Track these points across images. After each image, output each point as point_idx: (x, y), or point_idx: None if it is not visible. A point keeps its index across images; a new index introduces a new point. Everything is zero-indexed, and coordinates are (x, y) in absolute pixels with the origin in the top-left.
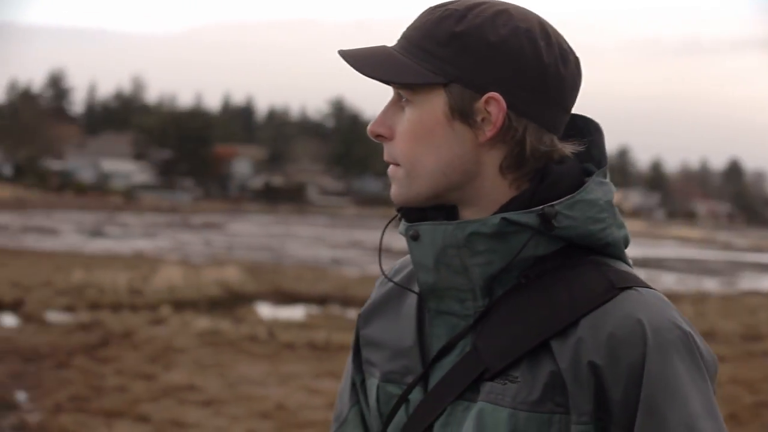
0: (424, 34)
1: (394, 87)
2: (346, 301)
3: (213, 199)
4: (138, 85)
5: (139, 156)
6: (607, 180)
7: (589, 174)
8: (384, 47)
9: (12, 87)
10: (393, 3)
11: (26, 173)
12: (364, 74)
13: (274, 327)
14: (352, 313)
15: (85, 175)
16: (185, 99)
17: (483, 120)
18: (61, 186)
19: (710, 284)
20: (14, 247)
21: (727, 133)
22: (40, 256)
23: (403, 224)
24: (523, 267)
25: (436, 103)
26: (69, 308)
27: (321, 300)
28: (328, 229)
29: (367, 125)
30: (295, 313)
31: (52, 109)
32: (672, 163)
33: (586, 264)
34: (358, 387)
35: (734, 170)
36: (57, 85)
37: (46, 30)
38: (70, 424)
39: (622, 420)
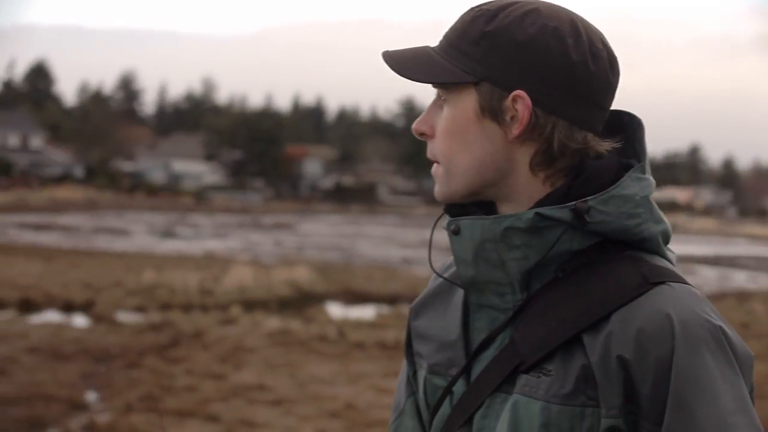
0: (459, 35)
1: (434, 86)
2: None
3: (283, 199)
4: (209, 86)
5: (209, 157)
6: (646, 176)
7: (630, 169)
8: (424, 48)
9: (83, 89)
10: (464, 3)
11: (98, 175)
12: (401, 76)
13: (344, 326)
14: None
15: (156, 176)
16: (256, 100)
17: (512, 118)
18: (133, 187)
19: None
20: (86, 248)
21: None
22: (111, 257)
23: (445, 220)
24: (560, 261)
25: (468, 101)
26: (140, 309)
27: (391, 299)
28: (399, 229)
29: None
30: (365, 312)
31: (123, 111)
32: (744, 161)
33: (622, 259)
34: (411, 379)
35: None
36: (128, 86)
37: (117, 32)
38: (140, 423)
39: (651, 414)
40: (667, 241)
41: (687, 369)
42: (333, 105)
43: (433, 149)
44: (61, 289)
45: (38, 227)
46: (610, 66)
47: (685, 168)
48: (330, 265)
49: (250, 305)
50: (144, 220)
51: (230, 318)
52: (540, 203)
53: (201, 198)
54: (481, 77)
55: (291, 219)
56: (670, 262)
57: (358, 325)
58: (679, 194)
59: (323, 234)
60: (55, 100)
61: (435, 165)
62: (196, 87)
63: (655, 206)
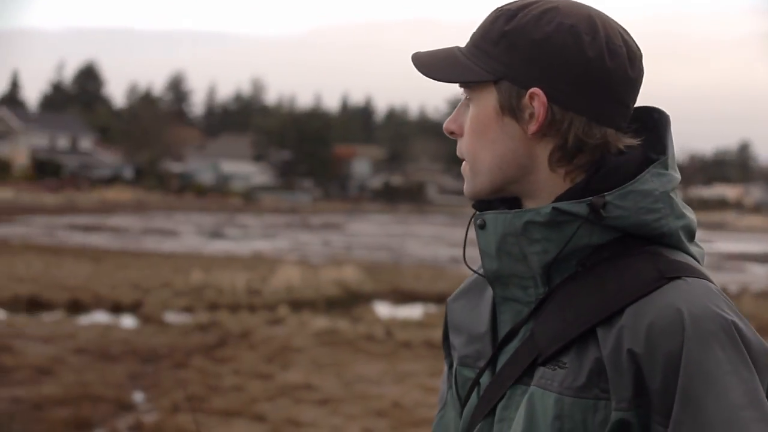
0: (482, 34)
1: (460, 86)
2: None
3: (332, 199)
4: (258, 87)
5: (258, 157)
6: (668, 171)
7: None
8: (451, 49)
9: (132, 91)
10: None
11: (147, 176)
12: (425, 75)
13: (391, 326)
14: None
15: (205, 177)
16: (304, 100)
17: (530, 115)
18: (181, 188)
19: None
20: (135, 249)
21: None
22: (159, 257)
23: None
24: (581, 256)
25: (489, 99)
26: (187, 309)
27: (439, 299)
28: (447, 228)
29: None
30: (413, 312)
31: (172, 112)
32: None
33: (641, 254)
34: (448, 371)
35: None
36: (177, 88)
37: (166, 34)
38: (186, 424)
39: (661, 409)
40: (690, 237)
41: (696, 363)
42: (381, 105)
43: (461, 147)
44: (110, 290)
45: (87, 228)
46: (630, 62)
47: (734, 165)
48: (378, 264)
49: (298, 305)
50: (192, 221)
51: (277, 318)
52: (559, 198)
53: (249, 198)
54: (500, 76)
55: (339, 219)
56: (695, 258)
57: (406, 324)
58: (729, 192)
59: (372, 234)
60: (104, 102)
61: (464, 163)
62: (245, 87)
63: (677, 201)
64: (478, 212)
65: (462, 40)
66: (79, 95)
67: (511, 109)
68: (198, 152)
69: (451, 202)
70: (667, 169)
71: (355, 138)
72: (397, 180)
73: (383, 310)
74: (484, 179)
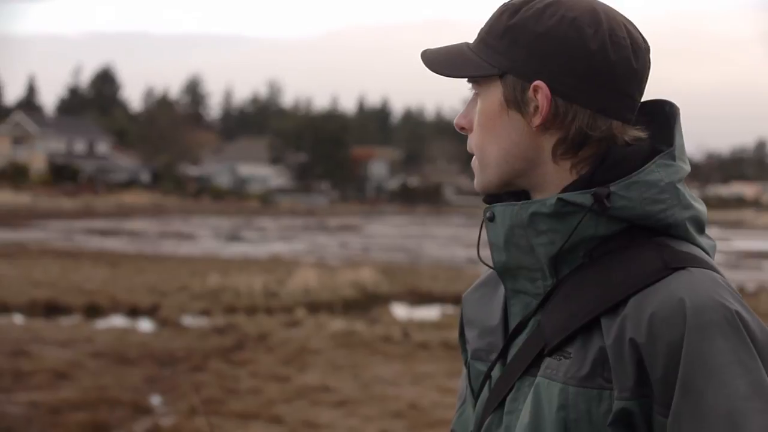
0: (488, 30)
1: (468, 81)
2: None
3: (349, 201)
4: (274, 89)
5: (275, 160)
6: (676, 162)
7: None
8: (460, 45)
9: (149, 94)
10: None
11: (164, 179)
12: (432, 71)
13: (408, 327)
14: None
15: (222, 180)
16: (321, 102)
17: (535, 108)
18: (199, 191)
19: None
20: (152, 252)
21: None
22: (177, 261)
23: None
24: (588, 247)
25: (494, 93)
26: (205, 312)
27: (456, 299)
28: (464, 229)
29: None
30: (430, 313)
31: (189, 116)
32: None
33: (647, 245)
34: (465, 366)
35: None
36: (194, 91)
37: (183, 37)
38: (203, 427)
39: (662, 399)
40: (699, 228)
41: (697, 353)
42: (398, 106)
43: (470, 142)
44: (127, 293)
45: (104, 233)
46: (634, 54)
47: (752, 163)
48: (395, 265)
49: (315, 307)
50: (210, 225)
51: (295, 320)
52: (565, 190)
53: (267, 201)
54: (505, 70)
55: (357, 221)
56: (704, 250)
57: (423, 325)
58: (746, 190)
59: (389, 235)
60: (121, 106)
61: (473, 157)
62: (262, 90)
63: (684, 192)
64: (487, 205)
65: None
66: (96, 99)
67: (516, 102)
68: (215, 155)
69: (468, 202)
70: (674, 160)
71: (372, 139)
72: (414, 181)
73: (400, 311)
74: (492, 173)
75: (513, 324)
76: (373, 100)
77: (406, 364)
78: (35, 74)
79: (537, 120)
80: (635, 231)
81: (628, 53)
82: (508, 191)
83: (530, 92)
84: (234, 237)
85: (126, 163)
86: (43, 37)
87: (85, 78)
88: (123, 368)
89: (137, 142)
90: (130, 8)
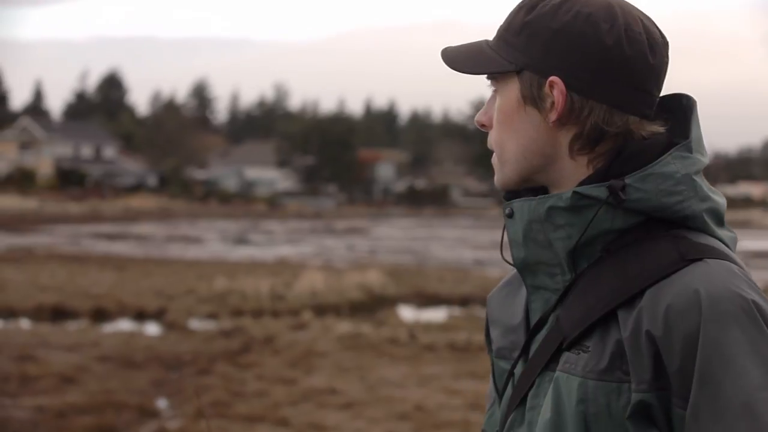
0: (506, 27)
1: (487, 78)
2: None
3: (356, 204)
4: (281, 93)
5: (282, 163)
6: (693, 154)
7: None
8: (479, 42)
9: (156, 99)
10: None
11: (171, 183)
12: (451, 69)
13: (415, 329)
14: None
15: (229, 183)
16: (328, 104)
17: (552, 104)
18: (206, 195)
19: None
20: (159, 256)
21: None
22: (184, 265)
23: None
24: (606, 241)
25: (512, 90)
26: (211, 315)
27: (463, 301)
28: (472, 231)
29: None
30: (437, 314)
31: (195, 119)
32: None
33: (664, 237)
34: (492, 365)
35: None
36: (201, 95)
37: (190, 41)
38: (210, 430)
39: (680, 391)
40: (717, 220)
41: (714, 344)
42: (405, 108)
43: (490, 139)
44: (134, 297)
45: (111, 237)
46: (650, 49)
47: (759, 163)
48: (402, 268)
49: (322, 310)
50: (217, 228)
51: (301, 323)
52: (581, 184)
53: (274, 204)
54: (522, 66)
55: (364, 223)
56: (723, 242)
57: (429, 327)
58: (754, 190)
59: (396, 237)
60: (128, 110)
61: (493, 154)
62: (269, 93)
63: (702, 184)
64: (505, 202)
65: None
66: (103, 104)
67: (533, 98)
68: (222, 159)
69: (475, 204)
70: (691, 152)
71: (379, 142)
72: (421, 183)
73: (407, 313)
74: (511, 169)
75: (534, 320)
76: (380, 102)
77: (412, 366)
78: (42, 79)
79: (553, 115)
80: (652, 224)
81: (644, 48)
82: (528, 187)
83: (546, 88)
84: (241, 240)
85: (133, 167)
86: (50, 42)
87: (92, 82)
88: (129, 372)
89: (144, 147)
90: (137, 12)
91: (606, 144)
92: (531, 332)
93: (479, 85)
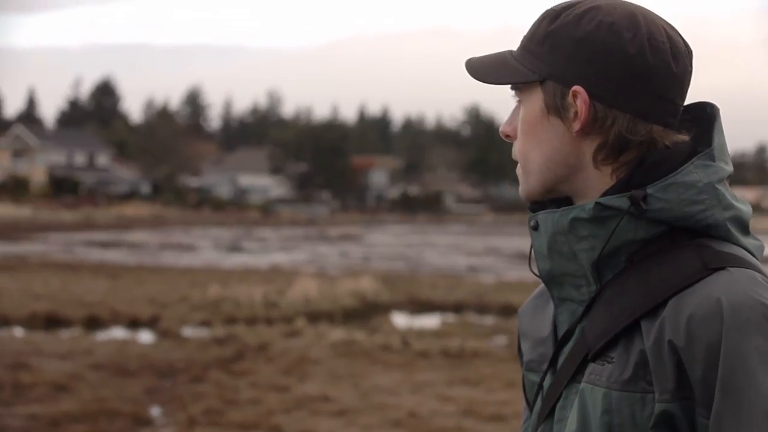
0: (530, 37)
1: (511, 89)
2: (482, 308)
3: (350, 210)
4: (274, 100)
5: (275, 170)
6: (715, 163)
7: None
8: (503, 52)
9: (149, 106)
10: (531, 10)
11: (164, 191)
12: (476, 79)
13: (408, 336)
14: (488, 320)
15: (223, 190)
16: (321, 111)
17: (575, 114)
18: (199, 202)
19: None
20: (152, 264)
21: None
22: (177, 272)
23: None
24: (629, 251)
25: (535, 100)
26: (205, 323)
27: (456, 308)
28: (465, 237)
29: None
30: (430, 321)
31: (189, 127)
32: None
33: (688, 246)
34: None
35: None
36: (194, 102)
37: (183, 49)
38: None
39: (703, 401)
40: (742, 228)
41: (736, 353)
42: (398, 115)
43: (514, 149)
44: (127, 305)
45: (105, 245)
46: (674, 58)
47: (752, 168)
48: (395, 274)
49: (315, 317)
50: (210, 235)
51: (295, 330)
52: (605, 194)
53: (267, 211)
54: (545, 76)
55: (357, 230)
56: (748, 251)
57: (422, 334)
58: (747, 194)
59: (389, 244)
60: (121, 118)
61: (518, 165)
62: (262, 100)
63: (725, 192)
64: (531, 214)
65: (479, 49)
66: (96, 111)
67: (556, 108)
68: (215, 166)
69: (468, 210)
70: (713, 160)
71: (373, 149)
72: (414, 190)
73: (400, 320)
74: (535, 179)
75: (561, 332)
76: (374, 109)
77: (405, 372)
78: (35, 87)
79: (577, 125)
80: (676, 233)
81: (667, 57)
82: (552, 198)
83: (569, 97)
84: (234, 248)
85: (126, 174)
86: (43, 49)
87: (85, 90)
88: (123, 380)
89: (137, 154)
90: (130, 20)
91: (630, 153)
92: (558, 344)
93: (473, 92)
